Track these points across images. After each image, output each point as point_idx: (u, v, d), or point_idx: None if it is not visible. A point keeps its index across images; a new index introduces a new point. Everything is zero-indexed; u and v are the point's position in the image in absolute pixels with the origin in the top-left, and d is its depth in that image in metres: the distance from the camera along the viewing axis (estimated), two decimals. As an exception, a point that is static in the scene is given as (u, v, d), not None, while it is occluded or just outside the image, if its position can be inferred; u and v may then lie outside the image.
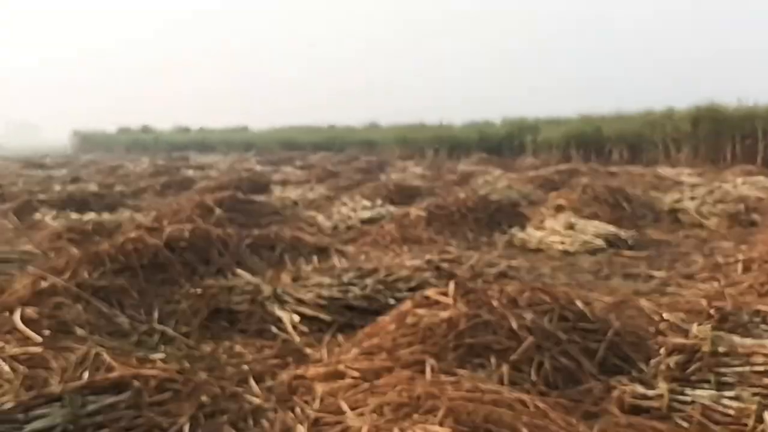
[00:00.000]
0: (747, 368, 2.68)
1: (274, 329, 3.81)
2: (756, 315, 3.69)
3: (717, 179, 10.80)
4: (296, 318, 3.82)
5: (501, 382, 2.67)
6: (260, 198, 10.09)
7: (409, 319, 3.14)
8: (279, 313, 3.89)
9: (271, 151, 29.19)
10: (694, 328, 3.01)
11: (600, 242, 6.16)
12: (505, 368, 2.77)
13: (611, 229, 6.52)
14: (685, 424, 2.46)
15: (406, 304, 3.37)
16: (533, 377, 2.77)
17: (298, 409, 2.66)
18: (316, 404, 2.64)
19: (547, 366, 2.83)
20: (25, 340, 3.34)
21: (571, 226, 6.59)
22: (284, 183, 13.34)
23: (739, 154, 13.93)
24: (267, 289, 4.10)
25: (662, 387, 2.62)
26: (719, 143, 14.27)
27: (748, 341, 2.80)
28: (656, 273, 5.15)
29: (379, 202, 9.10)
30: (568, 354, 2.98)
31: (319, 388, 2.76)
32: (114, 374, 2.80)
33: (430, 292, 3.37)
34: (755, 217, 7.18)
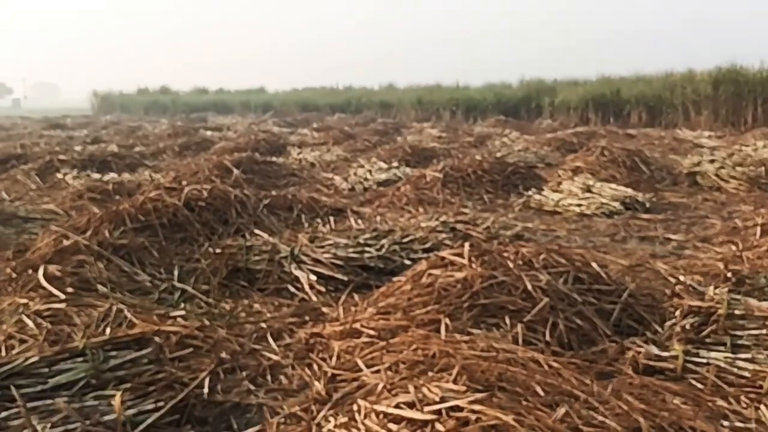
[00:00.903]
0: (763, 331, 2.69)
1: (291, 288, 3.87)
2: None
3: (737, 142, 10.64)
4: (313, 277, 3.86)
5: (515, 342, 2.70)
6: (278, 160, 10.10)
7: (425, 280, 3.17)
8: (296, 272, 3.93)
9: (288, 113, 29.11)
10: (710, 291, 3.00)
11: (617, 205, 6.13)
12: (519, 328, 2.79)
13: (628, 191, 6.47)
14: (699, 386, 2.47)
15: (422, 265, 3.40)
16: (547, 338, 2.80)
17: (315, 366, 2.71)
18: (333, 361, 2.69)
19: (561, 327, 2.85)
20: (49, 297, 3.41)
21: (588, 189, 6.55)
22: (301, 145, 13.33)
23: (760, 116, 13.68)
24: (284, 249, 4.14)
25: (677, 348, 2.64)
26: (740, 106, 14.01)
27: (765, 304, 2.80)
28: (673, 236, 5.13)
29: (395, 163, 9.08)
30: (583, 315, 2.99)
31: (336, 345, 2.81)
32: (135, 330, 2.87)
33: (445, 253, 3.38)
34: (779, 180, 7.08)
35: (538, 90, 21.94)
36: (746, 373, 2.48)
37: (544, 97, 21.00)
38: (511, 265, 3.15)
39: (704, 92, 14.77)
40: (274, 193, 5.74)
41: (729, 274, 3.13)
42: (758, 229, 4.85)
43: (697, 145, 10.94)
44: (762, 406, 2.26)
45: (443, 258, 3.34)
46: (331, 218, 5.19)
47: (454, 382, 2.08)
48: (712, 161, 7.72)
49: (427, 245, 4.34)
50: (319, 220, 5.12)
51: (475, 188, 6.96)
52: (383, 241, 4.28)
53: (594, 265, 3.37)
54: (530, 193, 6.71)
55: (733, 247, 4.54)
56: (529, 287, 3.00)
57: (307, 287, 3.81)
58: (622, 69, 18.84)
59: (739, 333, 2.71)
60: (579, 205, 6.23)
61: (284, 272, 3.99)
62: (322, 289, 3.82)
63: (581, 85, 20.41)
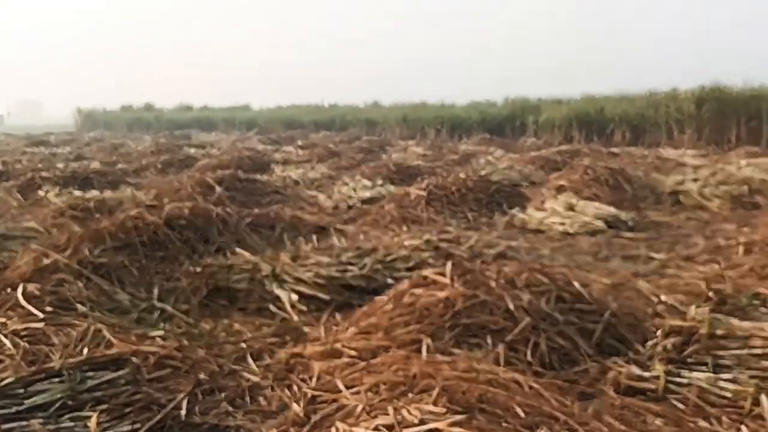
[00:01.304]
0: (745, 351, 2.68)
1: (272, 308, 3.82)
2: (756, 298, 3.69)
3: (721, 161, 10.76)
4: (294, 297, 3.83)
5: (497, 363, 2.68)
6: (261, 177, 10.07)
7: (406, 299, 3.14)
8: (278, 291, 3.90)
9: (273, 130, 29.09)
10: (692, 311, 3.00)
11: (600, 224, 6.15)
12: (501, 348, 2.77)
13: (612, 210, 6.50)
14: (680, 407, 2.46)
15: (404, 284, 3.37)
16: (529, 358, 2.78)
17: (294, 387, 2.67)
18: (313, 382, 2.66)
19: (543, 347, 2.84)
20: (27, 316, 3.35)
21: (571, 207, 6.57)
22: (285, 162, 13.30)
23: (743, 135, 13.84)
24: (266, 268, 4.10)
25: (658, 368, 2.63)
26: (724, 124, 14.17)
27: (747, 324, 2.80)
28: (656, 255, 5.14)
29: (379, 181, 9.08)
30: (565, 335, 2.98)
31: (316, 366, 2.77)
32: (113, 351, 2.82)
33: (428, 272, 3.37)
34: (758, 199, 7.15)
35: (522, 108, 22.11)
36: (728, 394, 2.48)
37: (529, 115, 21.16)
38: (493, 284, 3.14)
39: (688, 111, 14.94)
40: (256, 211, 5.71)
41: (711, 294, 3.13)
42: (741, 248, 4.89)
43: (680, 164, 11.03)
44: (743, 427, 2.25)
45: (425, 277, 3.32)
46: (314, 237, 5.16)
47: (434, 403, 2.05)
48: (695, 180, 7.79)
49: (411, 264, 4.32)
50: (301, 239, 5.09)
51: (459, 206, 6.96)
52: (366, 260, 4.26)
53: (576, 284, 3.36)
54: (514, 211, 6.72)
55: (716, 266, 4.56)
56: (511, 307, 2.99)
57: (288, 306, 3.78)
58: (606, 88, 19.03)
59: (721, 353, 2.70)
60: (562, 224, 6.25)
61: (265, 291, 3.95)
62: (304, 308, 3.78)
63: (565, 103, 20.59)
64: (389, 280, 4.00)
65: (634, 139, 16.26)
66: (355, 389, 2.43)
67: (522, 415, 2.03)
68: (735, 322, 2.82)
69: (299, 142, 19.58)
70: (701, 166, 9.71)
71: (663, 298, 3.41)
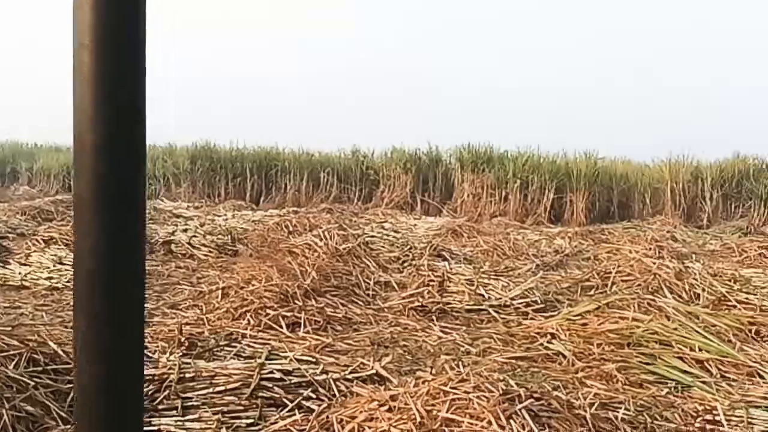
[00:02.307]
0: (210, 390, 2.94)
1: None
2: (228, 338, 4.11)
3: (211, 212, 11.69)
4: None
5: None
6: None
7: None
8: None
9: None
10: (164, 357, 3.15)
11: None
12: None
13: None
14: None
15: None
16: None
17: None
18: None
19: (6, 417, 2.58)
20: None
21: (60, 261, 6.22)
22: None
23: (231, 189, 15.42)
24: None
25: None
26: (214, 179, 15.55)
27: (212, 365, 3.07)
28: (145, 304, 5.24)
29: None
30: (35, 400, 2.78)
31: None
32: None
33: None
34: (239, 246, 7.99)
35: (14, 154, 20.13)
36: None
37: (21, 161, 19.39)
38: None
39: (183, 166, 15.90)
40: None
41: (183, 339, 3.35)
42: (220, 292, 5.36)
43: (176, 215, 11.56)
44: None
45: None
46: None
47: None
48: (185, 230, 8.26)
49: None
50: None
51: None
52: None
53: (51, 343, 3.18)
54: (-8, 267, 6.01)
55: (198, 311, 4.90)
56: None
57: None
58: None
59: (189, 395, 2.90)
60: (50, 278, 5.86)
61: None
62: None
63: (63, 151, 19.51)
64: None
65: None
66: None
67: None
68: (202, 363, 3.07)
69: None
70: (193, 217, 10.38)
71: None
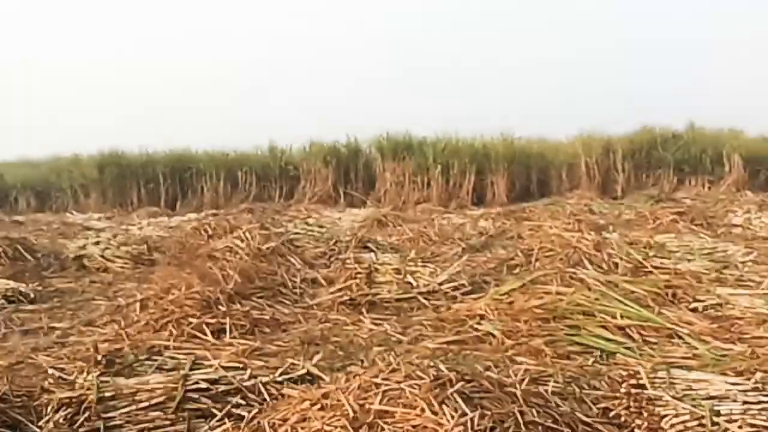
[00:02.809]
0: (133, 407, 2.79)
1: None
2: (149, 351, 3.93)
3: (124, 222, 11.24)
4: None
5: None
6: None
7: None
8: None
9: None
10: (81, 378, 2.97)
11: (-3, 300, 5.61)
12: None
13: (10, 284, 6.04)
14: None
15: None
16: None
17: None
18: None
19: None
20: None
21: None
22: None
23: (144, 197, 14.89)
24: None
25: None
26: (125, 187, 14.97)
27: (132, 381, 2.92)
28: (58, 324, 4.97)
29: None
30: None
31: None
32: None
33: None
34: (156, 256, 7.69)
35: None
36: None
37: None
38: None
39: (91, 176, 15.23)
40: None
41: (100, 357, 3.17)
42: (138, 304, 5.14)
43: (87, 228, 11.04)
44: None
45: None
46: None
47: None
48: (97, 243, 7.88)
49: None
50: None
51: None
52: None
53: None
54: None
55: (116, 326, 4.68)
56: None
57: None
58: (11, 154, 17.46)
59: (111, 415, 2.75)
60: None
61: None
62: None
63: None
64: None
65: (41, 205, 15.61)
66: None
67: None
68: (122, 381, 2.91)
69: None
70: (105, 229, 9.95)
71: (50, 370, 3.27)
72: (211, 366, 3.22)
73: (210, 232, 8.19)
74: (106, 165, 15.10)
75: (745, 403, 2.78)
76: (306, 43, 29.15)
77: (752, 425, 2.65)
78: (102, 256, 7.37)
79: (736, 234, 7.91)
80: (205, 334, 4.30)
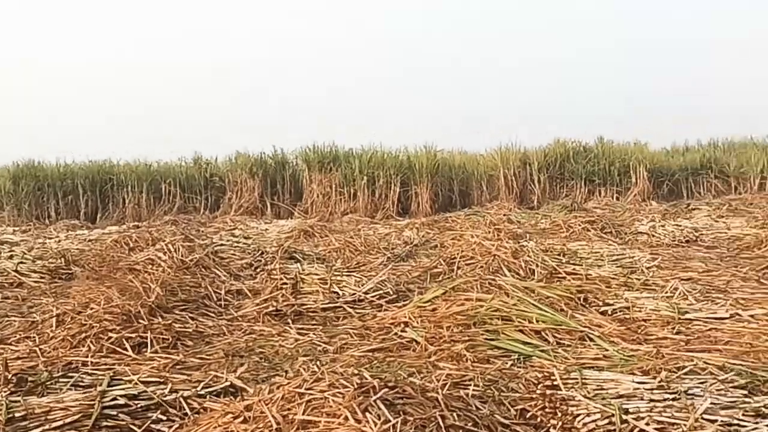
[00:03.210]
0: (45, 427, 2.70)
1: None
2: (65, 368, 3.81)
3: (41, 236, 10.78)
4: None
5: None
6: None
7: None
8: None
9: None
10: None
11: None
12: None
13: None
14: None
15: None
16: None
17: None
18: None
19: None
20: None
21: None
22: None
23: (62, 209, 14.34)
24: None
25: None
26: (42, 199, 14.39)
27: (47, 399, 2.83)
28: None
29: None
30: None
31: None
32: None
33: None
34: (75, 269, 7.43)
35: None
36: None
37: None
38: None
39: (5, 188, 14.59)
40: None
41: (9, 375, 3.06)
42: (54, 320, 4.95)
43: (1, 242, 10.54)
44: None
45: None
46: None
47: None
48: (11, 257, 7.55)
49: None
50: None
51: None
52: None
53: None
54: None
55: (30, 343, 4.50)
56: None
57: None
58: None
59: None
60: None
61: None
62: None
63: None
64: None
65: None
66: None
67: None
68: (35, 399, 2.82)
69: None
70: (20, 242, 9.51)
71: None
72: (130, 381, 3.16)
73: (131, 245, 7.98)
74: (21, 177, 14.47)
75: (651, 401, 2.95)
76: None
77: (658, 422, 2.81)
78: (16, 271, 7.07)
79: (642, 241, 8.34)
80: (125, 349, 4.20)
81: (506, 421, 3.00)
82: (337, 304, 5.38)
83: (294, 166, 15.16)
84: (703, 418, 2.76)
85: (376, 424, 2.58)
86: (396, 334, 4.52)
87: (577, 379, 3.18)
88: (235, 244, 8.25)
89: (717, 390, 3.02)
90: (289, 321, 5.06)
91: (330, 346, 4.43)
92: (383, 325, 4.75)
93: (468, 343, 4.11)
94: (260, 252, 7.67)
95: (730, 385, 3.12)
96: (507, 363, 3.84)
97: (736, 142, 17.03)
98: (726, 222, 9.18)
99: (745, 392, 3.06)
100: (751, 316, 4.46)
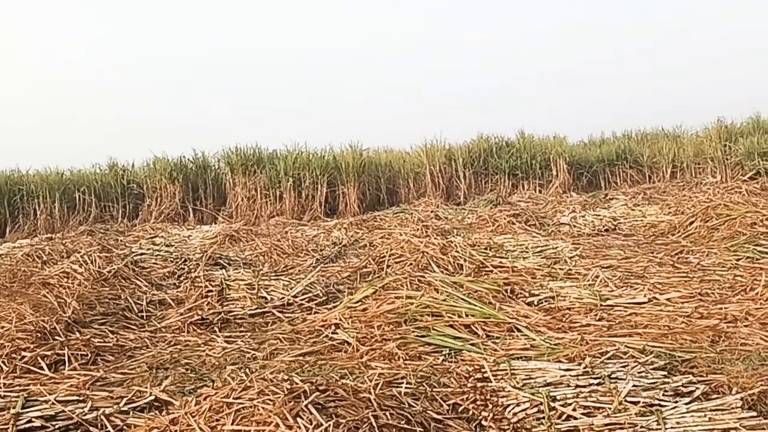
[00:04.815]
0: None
1: None
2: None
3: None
4: None
5: None
6: None
7: None
8: None
9: None
10: None
11: None
12: None
13: None
14: None
15: None
16: None
17: None
18: None
19: None
20: None
21: None
22: None
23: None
24: None
25: None
26: None
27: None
28: None
29: None
30: None
31: None
32: None
33: None
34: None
35: None
36: None
37: None
38: None
39: None
40: None
41: None
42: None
43: None
44: None
45: None
46: None
47: None
48: None
49: None
50: None
51: None
52: None
53: None
54: None
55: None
56: None
57: None
58: None
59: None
60: None
61: None
62: None
63: None
64: None
65: None
66: None
67: None
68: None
69: None
70: None
71: None
72: (46, 402, 2.98)
73: (44, 258, 7.57)
74: None
75: (577, 386, 3.02)
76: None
77: (584, 407, 2.88)
78: None
79: (564, 232, 8.60)
80: (41, 368, 3.97)
81: (439, 417, 3.01)
82: (266, 310, 5.27)
83: (216, 170, 14.80)
84: (626, 401, 2.85)
85: (308, 429, 2.53)
86: (327, 336, 4.47)
87: (506, 370, 3.22)
88: (157, 253, 7.98)
89: (638, 372, 3.12)
90: (216, 329, 4.92)
91: (259, 353, 4.34)
92: (314, 328, 4.69)
93: (399, 341, 4.11)
94: (183, 260, 7.45)
95: (651, 366, 3.24)
96: (438, 358, 3.86)
97: (648, 132, 17.76)
98: (642, 210, 9.57)
99: (665, 373, 3.19)
100: (668, 299, 4.66)
